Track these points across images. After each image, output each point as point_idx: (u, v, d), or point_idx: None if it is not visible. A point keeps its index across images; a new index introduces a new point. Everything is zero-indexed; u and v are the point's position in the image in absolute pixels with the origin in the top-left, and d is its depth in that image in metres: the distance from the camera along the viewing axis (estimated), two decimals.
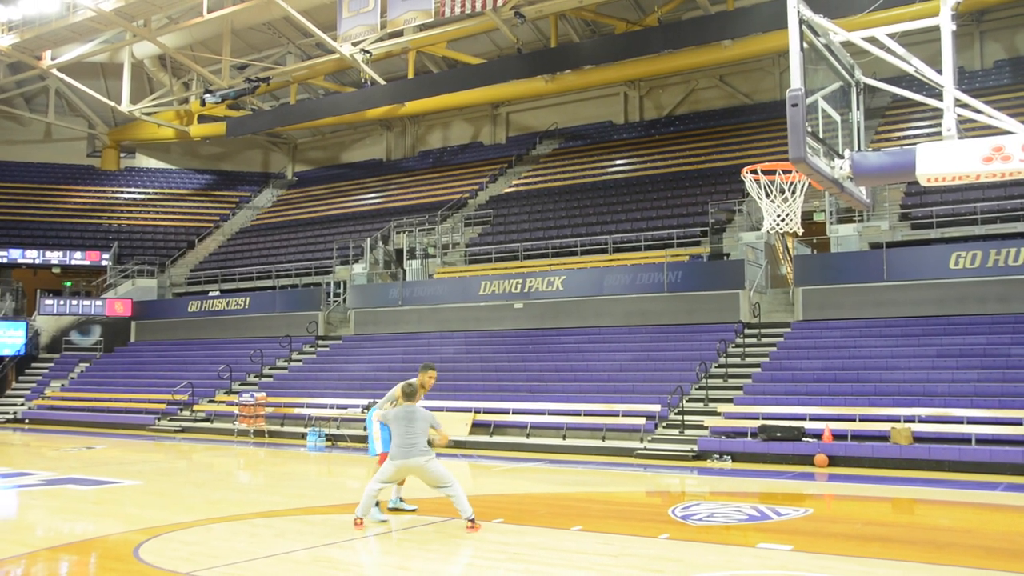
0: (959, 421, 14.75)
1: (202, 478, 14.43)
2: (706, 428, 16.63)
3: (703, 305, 20.89)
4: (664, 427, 17.37)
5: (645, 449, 16.67)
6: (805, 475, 14.02)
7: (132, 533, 8.72)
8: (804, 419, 15.85)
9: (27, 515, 10.67)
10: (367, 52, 28.81)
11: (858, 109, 7.94)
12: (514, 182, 32.87)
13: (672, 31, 25.99)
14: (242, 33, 32.24)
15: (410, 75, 30.17)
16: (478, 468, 15.67)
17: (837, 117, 7.67)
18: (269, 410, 22.10)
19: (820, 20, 7.06)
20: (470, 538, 8.28)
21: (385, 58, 30.25)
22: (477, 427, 19.06)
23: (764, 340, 19.54)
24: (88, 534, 9.05)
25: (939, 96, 7.02)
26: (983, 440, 14.27)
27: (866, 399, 15.98)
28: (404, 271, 27.80)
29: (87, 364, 30.20)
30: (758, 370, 18.28)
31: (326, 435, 19.82)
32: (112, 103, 34.81)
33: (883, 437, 14.88)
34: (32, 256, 33.30)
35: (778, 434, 15.46)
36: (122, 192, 39.36)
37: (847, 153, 7.32)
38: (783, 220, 9.74)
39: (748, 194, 11.22)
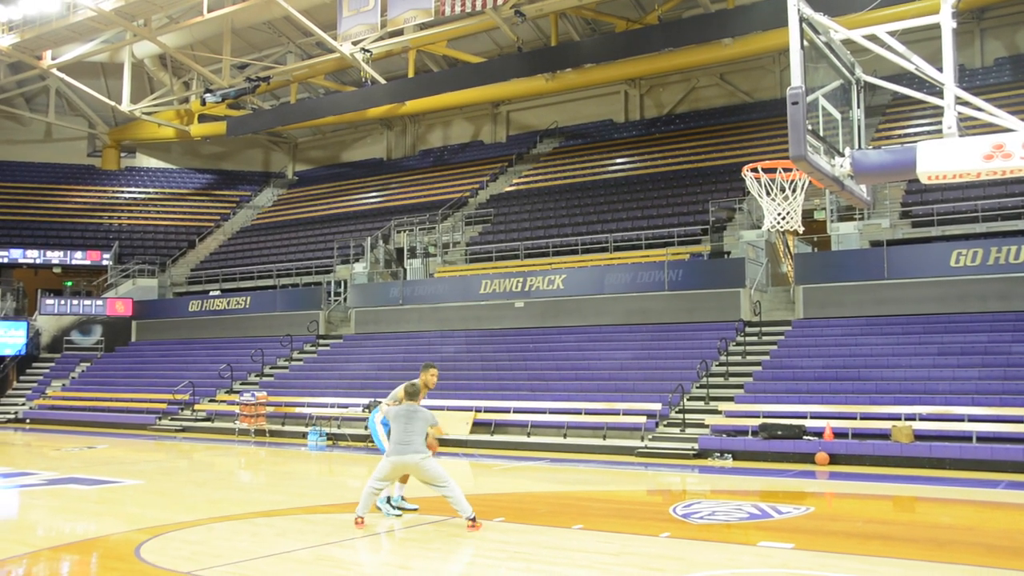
0: (960, 419, 14.74)
1: (203, 477, 14.44)
2: (707, 426, 16.63)
3: (704, 303, 20.88)
4: (665, 425, 17.37)
5: (646, 448, 16.68)
6: (806, 473, 14.02)
7: (133, 532, 8.73)
8: (805, 417, 15.84)
9: (29, 515, 10.68)
10: (367, 51, 28.80)
11: (859, 107, 7.94)
12: (515, 181, 32.86)
13: (672, 29, 25.97)
14: (242, 32, 32.25)
15: (410, 74, 30.17)
16: (479, 467, 15.68)
17: (838, 115, 7.67)
18: (270, 409, 22.11)
19: (820, 18, 7.06)
20: (471, 537, 8.28)
21: (385, 57, 30.25)
22: (478, 426, 19.06)
23: (765, 338, 19.54)
24: (90, 534, 9.06)
25: (940, 94, 7.02)
26: (984, 438, 14.27)
27: (867, 397, 15.98)
28: (405, 270, 27.80)
29: (88, 364, 30.22)
30: (759, 368, 18.27)
31: (327, 434, 19.83)
32: (112, 103, 34.83)
33: (884, 435, 14.88)
34: (33, 256, 33.32)
35: (779, 432, 15.45)
36: (123, 192, 39.36)
37: (848, 151, 7.31)
38: (784, 218, 9.74)
39: (749, 192, 11.22)
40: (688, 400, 17.80)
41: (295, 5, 27.08)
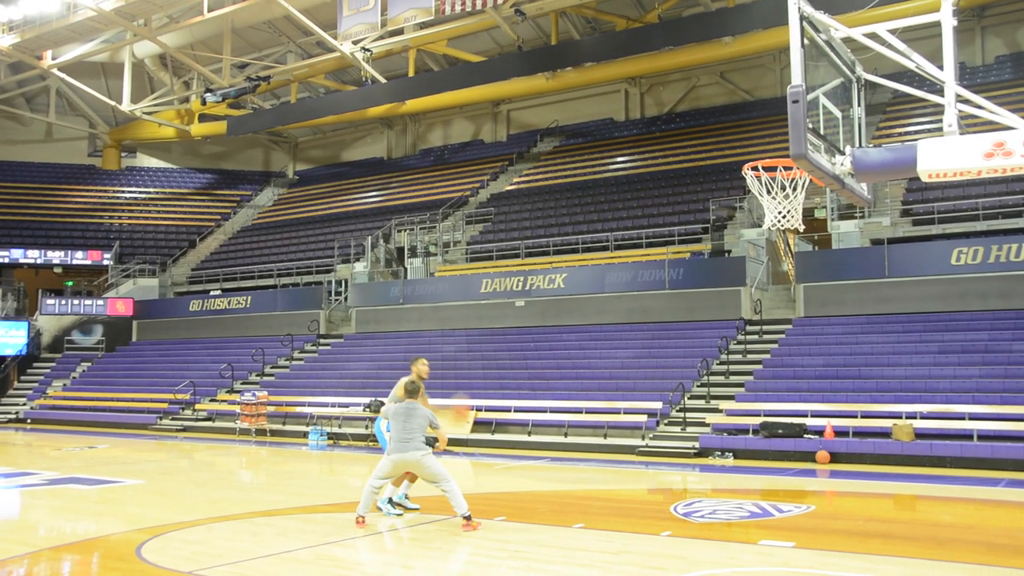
0: (961, 417, 14.73)
1: (204, 477, 14.44)
2: (708, 425, 16.63)
3: (704, 302, 20.87)
4: (666, 424, 17.37)
5: (647, 446, 16.67)
6: (807, 472, 14.01)
7: (134, 532, 8.73)
8: (806, 416, 15.84)
9: (30, 515, 10.68)
10: (368, 50, 28.79)
11: (859, 105, 7.93)
12: (515, 180, 32.85)
13: (673, 28, 25.95)
14: (242, 32, 32.24)
15: (411, 73, 30.15)
16: (480, 466, 15.68)
17: (838, 113, 7.66)
18: (271, 409, 22.11)
19: (821, 16, 7.05)
20: (472, 536, 8.28)
21: (386, 56, 30.24)
22: (479, 425, 19.06)
23: (765, 337, 19.53)
24: (90, 533, 9.06)
25: (940, 92, 7.01)
26: (985, 436, 14.26)
27: (868, 395, 15.97)
28: (405, 269, 27.80)
29: (89, 364, 30.23)
30: (760, 367, 18.27)
31: (328, 433, 19.83)
32: (113, 102, 34.82)
33: (885, 433, 14.87)
34: (34, 256, 33.33)
35: (780, 431, 15.45)
36: (123, 191, 39.37)
37: (848, 149, 7.31)
38: (784, 217, 9.73)
39: (749, 191, 11.21)
40: (689, 399, 17.80)
41: (295, 4, 27.07)
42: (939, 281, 18.44)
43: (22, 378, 30.14)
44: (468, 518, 8.51)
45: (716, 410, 17.07)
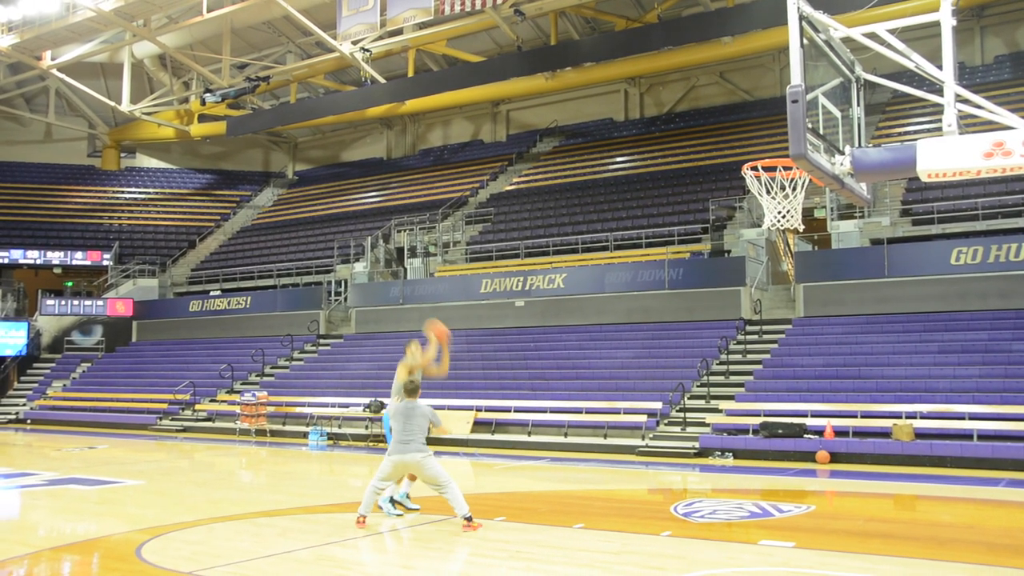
0: (961, 417, 14.73)
1: (204, 477, 14.44)
2: (708, 425, 16.64)
3: (704, 302, 20.88)
4: (666, 424, 17.37)
5: (647, 446, 16.68)
6: (807, 472, 14.02)
7: (134, 533, 8.73)
8: (806, 416, 15.84)
9: (30, 515, 10.68)
10: (367, 51, 28.79)
11: (858, 105, 7.93)
12: (515, 180, 32.85)
13: (672, 28, 25.95)
14: (242, 32, 32.23)
15: (410, 73, 30.15)
16: (480, 466, 15.68)
17: (837, 113, 7.67)
18: (271, 409, 22.12)
19: (820, 16, 7.06)
20: (472, 537, 8.28)
21: (385, 56, 30.23)
22: (479, 425, 19.06)
23: (765, 337, 19.53)
24: (90, 534, 9.06)
25: (940, 92, 7.01)
26: (985, 436, 14.27)
27: (868, 395, 15.97)
28: (405, 269, 27.80)
29: (89, 364, 30.23)
30: (759, 367, 18.27)
31: (328, 434, 19.83)
32: (112, 103, 34.81)
33: (885, 433, 14.88)
34: (33, 256, 33.32)
35: (780, 431, 15.46)
36: (123, 192, 39.36)
37: (848, 149, 7.31)
38: (784, 216, 9.74)
39: (749, 191, 11.21)
40: (689, 399, 17.80)
41: (295, 5, 27.06)
42: (939, 281, 18.44)
43: (22, 379, 30.14)
44: (469, 519, 8.50)
45: (716, 410, 17.07)
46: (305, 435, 20.06)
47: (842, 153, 7.27)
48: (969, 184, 20.63)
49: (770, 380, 17.59)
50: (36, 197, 37.49)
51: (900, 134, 24.96)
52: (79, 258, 33.70)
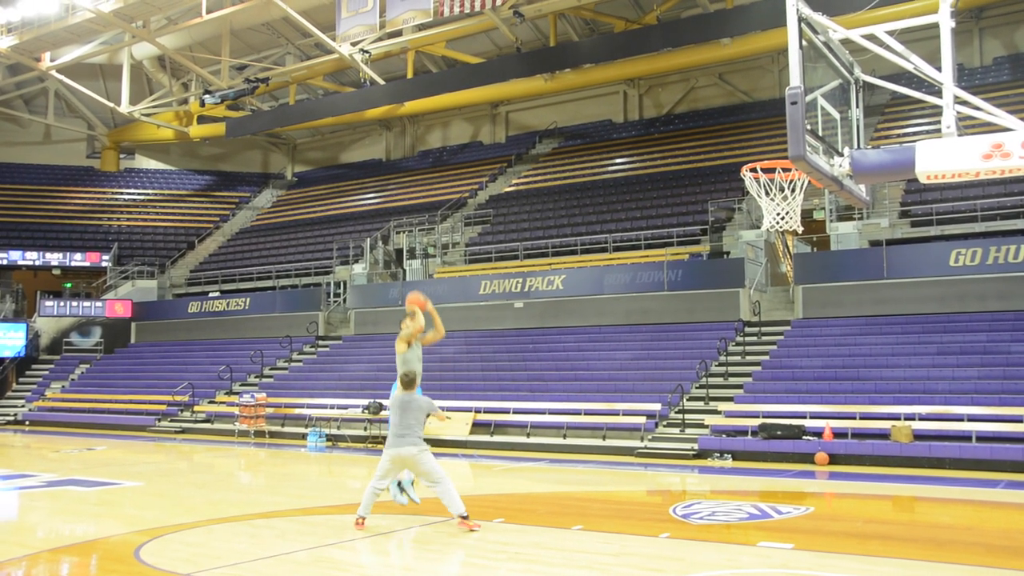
0: (959, 419, 14.74)
1: (203, 479, 14.43)
2: (706, 427, 16.63)
3: (703, 304, 20.88)
4: (665, 426, 17.37)
5: (646, 448, 16.67)
6: (806, 473, 14.01)
7: (133, 534, 8.72)
8: (804, 417, 15.84)
9: (28, 517, 10.67)
10: (366, 52, 28.80)
11: (857, 107, 7.94)
12: (514, 181, 32.86)
13: (671, 29, 25.96)
14: (241, 34, 32.23)
15: (409, 75, 30.16)
16: (479, 468, 15.67)
17: (836, 115, 7.67)
18: (269, 411, 22.10)
19: (819, 18, 7.06)
20: (471, 538, 8.27)
21: (384, 58, 30.23)
22: (477, 427, 19.06)
23: (764, 338, 19.54)
24: (89, 535, 9.05)
25: (938, 93, 7.02)
26: (983, 437, 14.27)
27: (866, 397, 15.98)
28: (404, 271, 27.79)
29: (87, 365, 30.21)
30: (758, 368, 18.27)
31: (326, 435, 19.82)
32: (111, 104, 34.80)
33: (883, 435, 14.88)
34: (32, 258, 33.31)
35: (778, 432, 15.45)
36: (122, 193, 39.36)
37: (847, 151, 7.32)
38: (783, 218, 9.74)
39: (748, 192, 11.23)
40: (688, 400, 17.80)
41: (294, 6, 27.07)
42: (937, 282, 18.45)
43: (20, 380, 30.11)
44: (465, 517, 8.49)
45: (715, 411, 17.07)
46: (304, 436, 20.05)
47: (841, 155, 7.27)
48: (968, 186, 20.64)
49: (769, 381, 17.59)
50: (35, 198, 37.49)
51: (899, 136, 24.98)
52: (78, 259, 33.69)
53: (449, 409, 19.21)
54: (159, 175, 41.37)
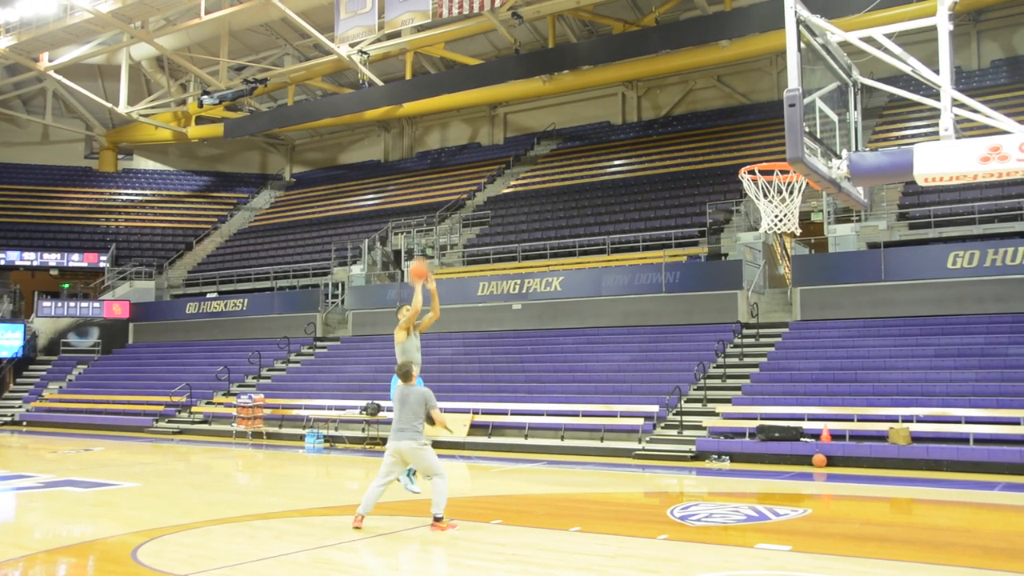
0: (957, 421, 14.75)
1: (200, 480, 14.41)
2: (704, 428, 16.63)
3: (701, 305, 20.89)
4: (662, 428, 17.37)
5: (643, 450, 16.67)
6: (803, 475, 14.02)
7: (130, 535, 8.71)
8: (802, 419, 15.85)
9: (25, 517, 10.66)
10: (365, 53, 28.78)
11: (855, 109, 7.95)
12: (512, 183, 32.86)
13: (670, 31, 25.98)
14: (240, 35, 32.21)
15: (408, 76, 30.16)
16: (476, 469, 15.67)
17: (834, 117, 7.68)
18: (267, 412, 22.09)
19: (817, 20, 7.07)
20: (469, 539, 8.27)
21: (383, 59, 30.23)
22: (475, 428, 19.06)
23: (762, 340, 19.55)
24: (86, 536, 9.04)
25: (936, 96, 7.03)
26: (981, 440, 14.28)
27: (864, 399, 15.99)
28: (402, 272, 27.78)
29: (85, 366, 30.17)
30: (756, 370, 18.28)
31: (324, 436, 19.81)
32: (110, 105, 34.78)
33: (881, 437, 14.89)
34: (30, 258, 33.29)
35: (776, 434, 15.46)
36: (120, 194, 39.34)
37: (845, 153, 7.33)
38: (781, 220, 9.76)
39: (746, 194, 11.23)
40: (685, 402, 17.81)
41: (292, 7, 27.06)
42: (935, 285, 18.47)
43: (18, 380, 30.07)
44: (439, 519, 8.47)
45: (713, 413, 17.07)
46: (302, 437, 20.04)
47: (839, 157, 7.28)
48: (966, 188, 20.66)
49: (767, 383, 17.60)
50: (33, 199, 37.45)
51: (897, 138, 25.01)
52: (76, 260, 33.67)
53: (447, 410, 19.18)
54: (157, 176, 41.34)
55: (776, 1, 7.39)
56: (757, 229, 21.60)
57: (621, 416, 17.73)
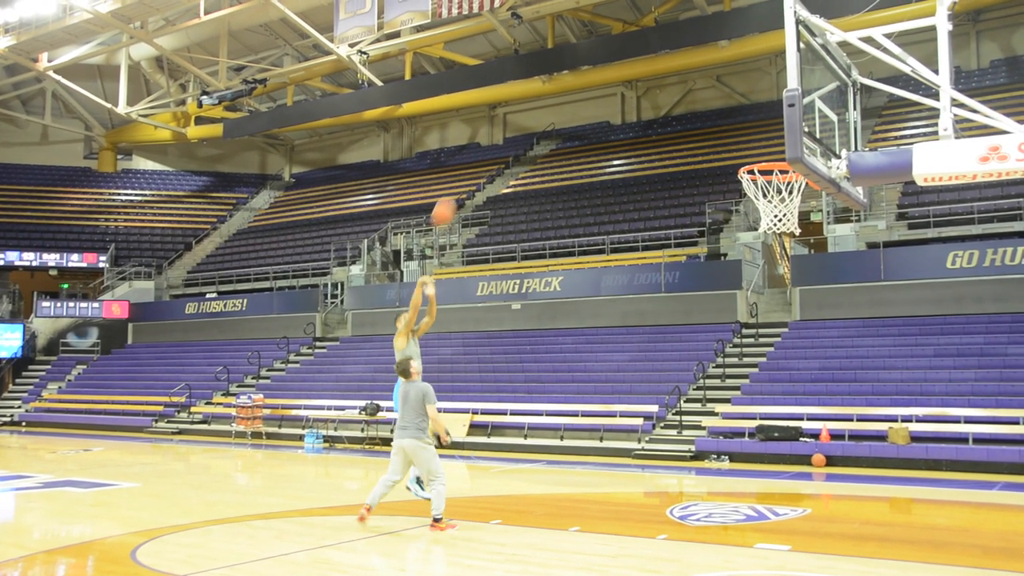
0: (956, 420, 14.76)
1: (200, 480, 14.41)
2: (704, 428, 16.64)
3: (700, 305, 20.89)
4: (662, 427, 17.37)
5: (643, 450, 16.67)
6: (803, 475, 14.03)
7: (130, 535, 8.71)
8: (802, 419, 15.85)
9: (25, 518, 10.66)
10: (364, 53, 28.78)
11: (855, 109, 7.96)
12: (512, 183, 32.86)
13: (669, 31, 25.99)
14: (239, 35, 32.21)
15: (407, 76, 30.16)
16: (476, 469, 15.67)
17: (834, 117, 7.68)
18: (266, 412, 22.09)
19: (817, 20, 7.07)
20: (468, 539, 8.27)
21: (382, 59, 30.23)
22: (475, 428, 19.06)
23: (761, 340, 19.55)
24: (86, 537, 9.03)
25: (936, 96, 7.03)
26: (980, 439, 14.29)
27: (863, 399, 15.99)
28: (402, 272, 27.79)
29: (84, 366, 30.16)
30: (755, 370, 18.28)
31: (324, 436, 19.80)
32: (109, 105, 34.77)
33: (880, 437, 14.90)
34: (29, 258, 33.28)
35: (776, 434, 15.47)
36: (119, 194, 39.32)
37: (844, 153, 7.33)
38: (780, 220, 9.77)
39: (745, 194, 11.23)
40: (685, 402, 17.81)
41: (292, 7, 27.06)
42: (935, 285, 18.47)
43: (17, 381, 30.06)
44: (438, 520, 8.46)
45: (712, 413, 17.08)
46: (301, 438, 20.04)
47: (838, 157, 7.29)
48: (965, 188, 20.67)
49: (766, 383, 17.60)
50: (32, 199, 37.44)
51: (896, 138, 25.02)
52: (75, 260, 33.65)
53: (447, 410, 19.19)
54: (156, 176, 41.33)
55: (775, 1, 7.40)
56: (756, 229, 21.61)
57: (620, 416, 17.74)
